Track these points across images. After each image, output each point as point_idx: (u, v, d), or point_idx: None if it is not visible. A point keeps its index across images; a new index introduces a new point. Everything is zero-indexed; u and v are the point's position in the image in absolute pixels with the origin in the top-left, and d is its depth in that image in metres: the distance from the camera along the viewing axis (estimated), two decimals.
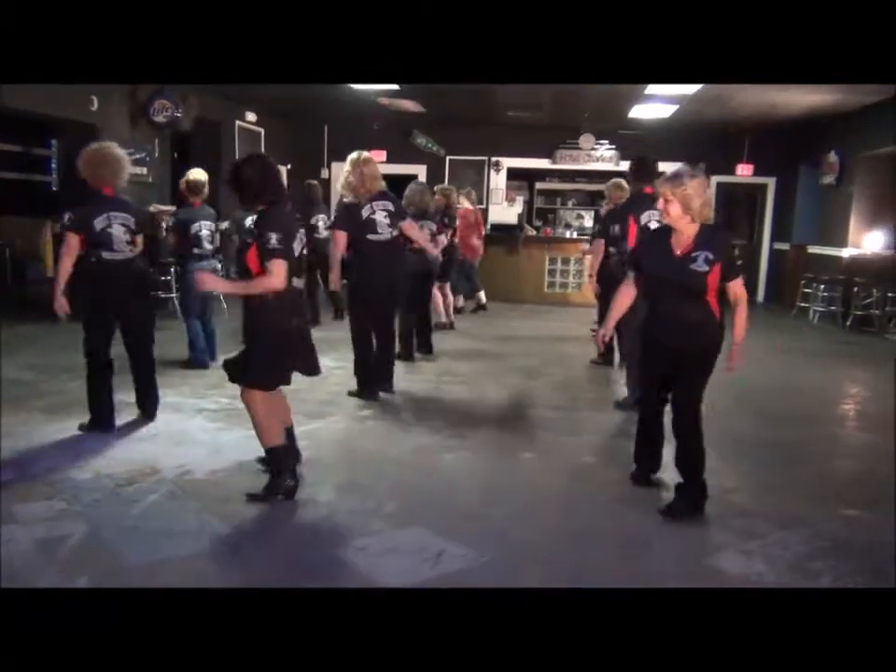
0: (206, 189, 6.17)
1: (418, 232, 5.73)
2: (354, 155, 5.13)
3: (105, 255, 4.30)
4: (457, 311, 9.42)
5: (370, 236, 5.17)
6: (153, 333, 4.65)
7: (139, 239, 4.47)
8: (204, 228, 6.07)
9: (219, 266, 6.12)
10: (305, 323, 3.77)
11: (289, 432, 3.75)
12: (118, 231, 4.29)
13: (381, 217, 5.16)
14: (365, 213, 5.15)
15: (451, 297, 8.78)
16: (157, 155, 9.50)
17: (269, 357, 3.51)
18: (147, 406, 4.69)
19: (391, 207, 5.22)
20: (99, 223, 4.25)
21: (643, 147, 12.14)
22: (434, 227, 7.43)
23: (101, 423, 4.43)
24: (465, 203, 9.78)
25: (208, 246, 6.10)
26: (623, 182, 6.65)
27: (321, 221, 8.25)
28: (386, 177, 5.52)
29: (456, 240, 8.28)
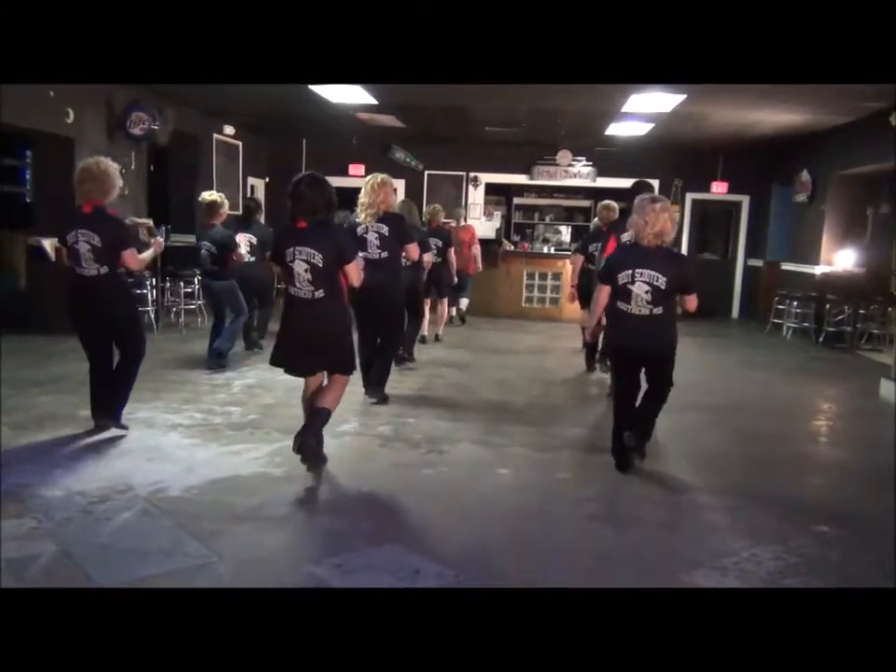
0: (222, 210, 6.45)
1: (416, 256, 5.93)
2: (369, 177, 5.51)
3: (78, 270, 4.45)
4: (461, 319, 10.31)
5: (360, 254, 5.33)
6: (137, 347, 4.69)
7: (129, 254, 4.48)
8: (204, 248, 6.30)
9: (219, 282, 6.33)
10: None
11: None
12: (82, 249, 4.38)
13: (372, 238, 5.47)
14: (360, 231, 5.47)
15: (445, 312, 8.94)
16: (133, 168, 9.44)
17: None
18: (106, 412, 4.64)
19: (385, 231, 5.46)
20: (70, 239, 4.41)
21: (619, 165, 12.34)
22: (440, 243, 8.07)
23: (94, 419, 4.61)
24: (462, 221, 10.13)
25: (208, 266, 6.30)
26: (612, 203, 7.08)
27: None
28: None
29: (451, 259, 8.36)
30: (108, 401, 4.62)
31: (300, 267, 3.83)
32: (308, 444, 3.95)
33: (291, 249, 3.84)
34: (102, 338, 4.60)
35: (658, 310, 4.01)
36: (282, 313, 4.11)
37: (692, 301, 4.17)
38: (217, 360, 6.62)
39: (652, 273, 3.96)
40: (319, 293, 3.88)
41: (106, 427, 4.60)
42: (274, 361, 4.11)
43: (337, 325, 3.99)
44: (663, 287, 3.96)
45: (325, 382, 4.19)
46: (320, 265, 3.82)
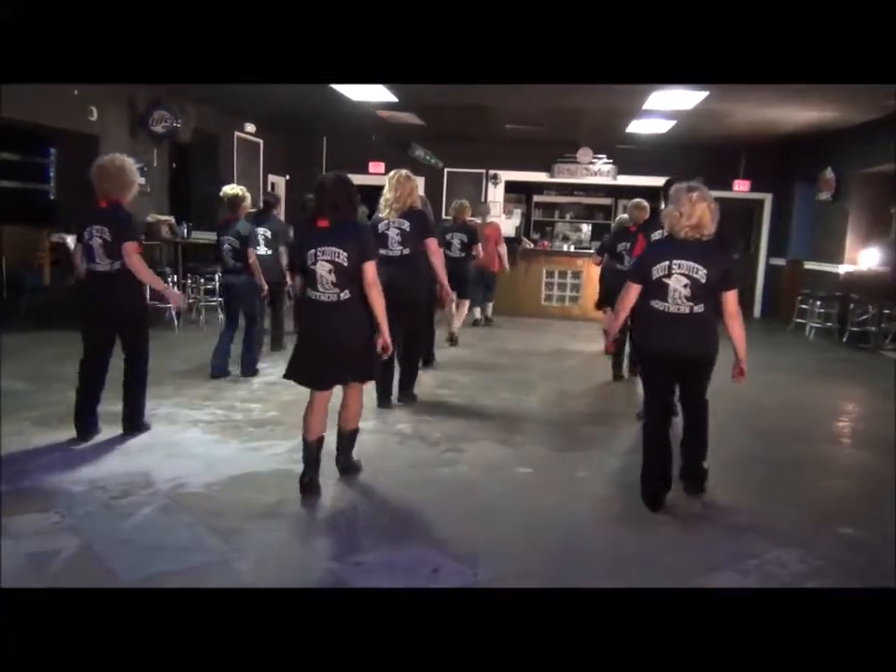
0: (245, 203, 6.31)
1: (437, 252, 5.67)
2: (392, 172, 5.44)
3: (90, 266, 4.43)
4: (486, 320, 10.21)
5: (381, 251, 5.25)
6: (141, 347, 4.58)
7: (130, 246, 4.33)
8: (226, 243, 6.19)
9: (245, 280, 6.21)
10: None
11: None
12: (95, 244, 4.35)
13: (393, 234, 5.36)
14: (381, 228, 5.38)
15: (465, 313, 8.76)
16: (155, 165, 9.51)
17: None
18: (127, 422, 4.61)
19: (407, 227, 5.35)
20: (86, 235, 4.38)
21: (640, 162, 12.26)
22: (465, 238, 8.07)
23: (76, 431, 4.46)
24: (488, 219, 10.02)
25: (230, 261, 6.19)
26: (643, 202, 6.79)
27: None
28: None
29: (477, 254, 8.27)
30: (92, 408, 4.51)
31: (322, 269, 3.62)
32: (312, 483, 3.81)
33: (313, 251, 3.64)
34: (106, 339, 4.48)
35: (699, 307, 3.62)
36: (300, 321, 3.86)
37: (731, 299, 3.69)
38: (251, 369, 6.39)
39: (692, 264, 3.57)
40: (345, 294, 3.66)
41: (91, 435, 4.48)
42: (291, 375, 3.85)
43: (363, 332, 3.75)
44: (703, 281, 3.57)
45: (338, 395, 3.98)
46: (345, 264, 3.62)
